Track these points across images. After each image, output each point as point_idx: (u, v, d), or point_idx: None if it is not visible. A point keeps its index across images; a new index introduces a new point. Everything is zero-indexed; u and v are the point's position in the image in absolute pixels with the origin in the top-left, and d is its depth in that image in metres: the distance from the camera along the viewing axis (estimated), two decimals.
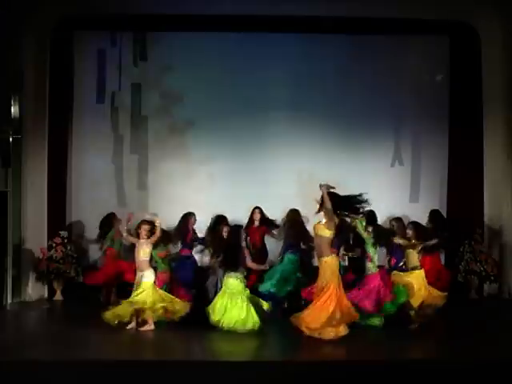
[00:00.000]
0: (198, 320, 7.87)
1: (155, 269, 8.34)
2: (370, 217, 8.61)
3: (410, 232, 8.49)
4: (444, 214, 10.60)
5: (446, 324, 8.18)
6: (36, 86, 10.10)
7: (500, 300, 10.22)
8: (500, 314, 9.33)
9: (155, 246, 8.35)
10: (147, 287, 7.95)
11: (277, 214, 10.02)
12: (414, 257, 8.36)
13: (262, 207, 9.89)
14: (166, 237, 8.76)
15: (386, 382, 6.39)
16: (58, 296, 10.14)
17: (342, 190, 10.05)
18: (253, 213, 9.83)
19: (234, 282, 7.98)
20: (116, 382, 6.38)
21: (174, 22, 10.56)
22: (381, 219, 9.93)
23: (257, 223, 9.80)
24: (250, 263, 8.21)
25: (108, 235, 9.75)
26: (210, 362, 6.87)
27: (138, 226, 8.26)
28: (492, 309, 9.76)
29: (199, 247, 9.74)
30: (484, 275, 10.16)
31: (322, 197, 7.56)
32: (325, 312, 7.37)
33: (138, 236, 8.21)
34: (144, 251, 8.12)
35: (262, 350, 7.52)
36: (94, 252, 10.50)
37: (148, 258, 8.14)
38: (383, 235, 8.44)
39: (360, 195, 7.69)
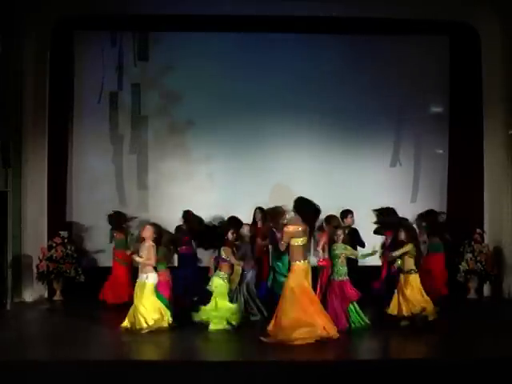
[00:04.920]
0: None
1: (155, 269, 8.22)
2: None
3: (403, 235, 8.19)
4: (444, 214, 10.64)
5: (445, 324, 8.17)
6: (36, 86, 10.10)
7: (500, 300, 10.22)
8: (500, 314, 9.33)
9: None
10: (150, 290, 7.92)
11: None
12: (410, 260, 8.17)
13: (261, 207, 9.88)
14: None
15: (386, 382, 6.39)
16: (58, 296, 10.14)
17: (342, 190, 10.20)
18: (255, 213, 9.83)
19: (219, 281, 8.10)
20: (116, 381, 6.38)
21: (174, 22, 10.57)
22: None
23: (260, 223, 9.81)
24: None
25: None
26: (208, 362, 6.87)
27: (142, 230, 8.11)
28: (492, 309, 9.77)
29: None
30: (484, 275, 10.18)
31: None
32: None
33: (141, 240, 8.05)
34: (149, 253, 7.99)
35: (260, 349, 7.52)
36: (94, 252, 10.55)
37: (153, 261, 8.00)
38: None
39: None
